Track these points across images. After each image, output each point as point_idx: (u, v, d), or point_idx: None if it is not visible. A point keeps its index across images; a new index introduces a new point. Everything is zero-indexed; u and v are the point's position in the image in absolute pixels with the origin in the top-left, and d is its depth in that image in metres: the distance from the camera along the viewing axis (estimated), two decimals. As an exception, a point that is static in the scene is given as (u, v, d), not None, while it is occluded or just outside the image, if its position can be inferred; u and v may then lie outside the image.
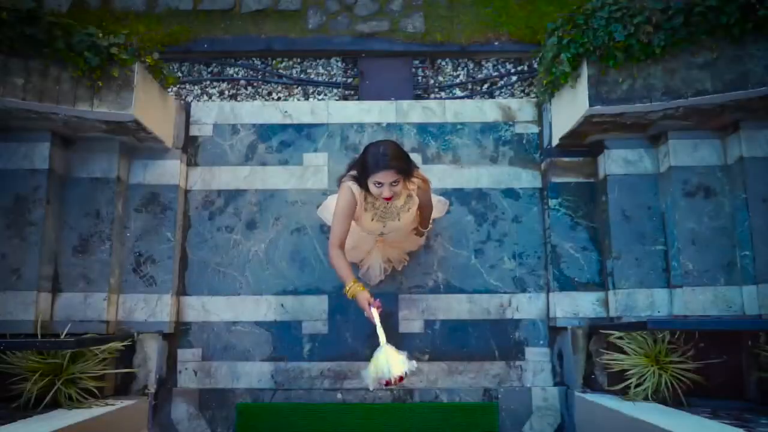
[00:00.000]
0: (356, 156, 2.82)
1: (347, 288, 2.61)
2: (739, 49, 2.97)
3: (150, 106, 3.42)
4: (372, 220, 2.78)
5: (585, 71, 3.17)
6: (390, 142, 2.63)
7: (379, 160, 2.47)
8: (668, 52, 3.05)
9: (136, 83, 3.24)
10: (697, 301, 3.18)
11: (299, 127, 3.88)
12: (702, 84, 3.02)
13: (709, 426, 2.53)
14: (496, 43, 4.28)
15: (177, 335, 3.60)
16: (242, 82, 4.34)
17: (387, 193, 2.51)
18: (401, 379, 2.44)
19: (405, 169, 2.53)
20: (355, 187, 2.65)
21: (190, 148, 3.85)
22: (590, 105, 3.15)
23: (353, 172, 2.64)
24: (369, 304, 2.56)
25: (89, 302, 3.36)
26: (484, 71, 4.33)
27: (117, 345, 3.24)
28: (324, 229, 3.69)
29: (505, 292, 3.64)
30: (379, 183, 2.50)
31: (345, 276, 2.64)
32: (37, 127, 3.33)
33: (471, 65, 4.35)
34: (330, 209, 2.95)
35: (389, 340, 2.55)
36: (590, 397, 3.25)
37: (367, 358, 3.51)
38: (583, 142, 3.60)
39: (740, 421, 2.63)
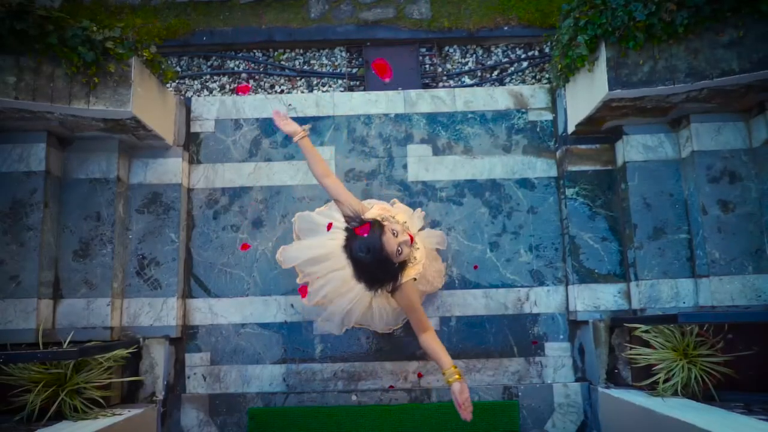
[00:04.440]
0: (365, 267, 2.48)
1: (446, 372, 2.44)
2: (766, 26, 2.81)
3: (149, 103, 3.28)
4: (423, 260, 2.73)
5: (603, 54, 3.03)
6: (360, 246, 2.42)
7: (371, 251, 2.37)
8: (692, 31, 2.89)
9: (134, 78, 3.10)
10: (724, 291, 3.06)
11: (304, 120, 3.74)
12: (728, 64, 2.87)
13: (748, 423, 2.41)
14: (506, 28, 4.13)
15: (184, 339, 3.48)
16: (243, 75, 4.20)
17: (403, 238, 2.43)
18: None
19: (382, 245, 2.39)
20: (412, 280, 2.60)
21: (192, 145, 3.71)
22: (610, 89, 3.01)
23: (389, 284, 2.50)
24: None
25: (92, 308, 3.24)
26: (494, 57, 4.19)
27: (122, 352, 3.12)
28: (333, 226, 3.58)
29: (522, 286, 3.52)
30: (401, 248, 2.41)
31: (444, 359, 2.48)
32: (31, 128, 3.20)
33: (480, 52, 4.21)
34: (299, 252, 2.98)
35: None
36: (615, 392, 3.13)
37: (381, 357, 3.47)
38: (600, 129, 3.46)
39: (776, 415, 2.51)
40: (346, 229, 2.51)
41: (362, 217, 2.51)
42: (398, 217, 2.66)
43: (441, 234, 3.37)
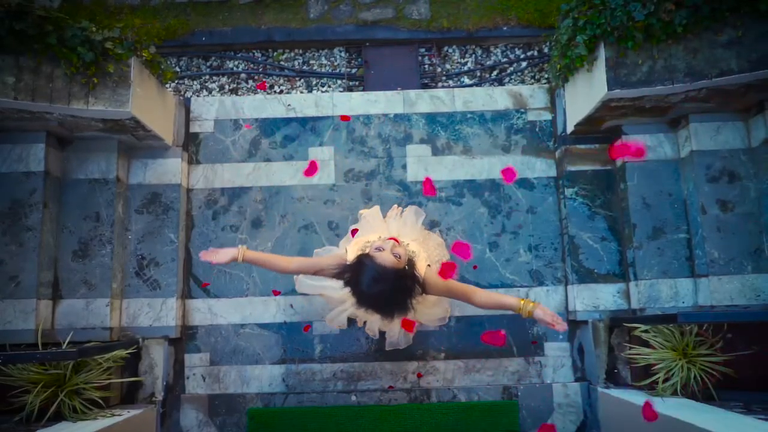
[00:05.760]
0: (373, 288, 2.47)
1: (521, 308, 2.47)
2: (765, 26, 2.82)
3: (148, 103, 3.28)
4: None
5: (602, 54, 3.03)
6: (368, 285, 2.41)
7: (379, 278, 2.37)
8: (690, 30, 2.90)
9: (133, 79, 3.10)
10: (723, 291, 3.06)
11: (303, 121, 3.74)
12: (727, 63, 2.88)
13: (747, 423, 2.41)
14: (505, 28, 4.13)
15: (183, 340, 3.48)
16: (243, 75, 4.20)
17: (389, 245, 2.45)
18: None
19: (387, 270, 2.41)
20: (428, 268, 2.63)
21: (191, 145, 3.71)
22: (609, 89, 3.01)
23: (416, 288, 2.53)
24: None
25: (91, 308, 3.24)
26: (493, 57, 4.19)
27: (122, 353, 3.12)
28: (332, 226, 3.58)
29: (521, 286, 3.52)
30: (397, 253, 2.42)
31: (508, 301, 2.53)
32: (30, 128, 3.20)
33: (479, 52, 4.21)
34: (339, 315, 3.07)
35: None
36: (614, 392, 3.13)
37: (380, 357, 3.47)
38: (600, 129, 3.46)
39: (776, 414, 2.51)
40: (346, 284, 2.50)
41: (346, 263, 2.54)
42: (371, 238, 2.69)
43: (412, 208, 3.20)
